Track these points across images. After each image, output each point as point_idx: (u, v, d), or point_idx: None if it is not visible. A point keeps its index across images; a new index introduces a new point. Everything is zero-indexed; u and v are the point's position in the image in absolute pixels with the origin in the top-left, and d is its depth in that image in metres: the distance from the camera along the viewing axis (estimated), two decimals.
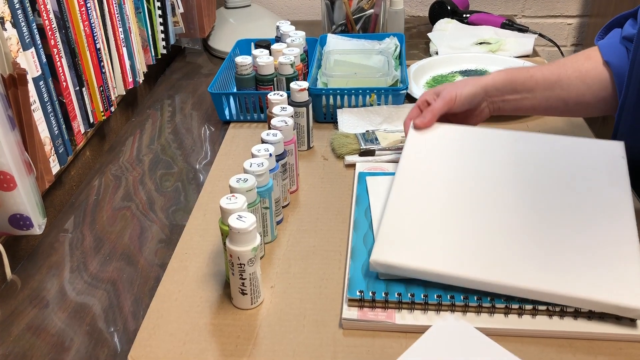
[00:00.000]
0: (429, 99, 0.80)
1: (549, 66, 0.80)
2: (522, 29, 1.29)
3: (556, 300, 0.57)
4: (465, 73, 1.14)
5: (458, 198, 0.69)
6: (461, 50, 1.22)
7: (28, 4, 0.71)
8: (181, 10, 1.21)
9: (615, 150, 0.74)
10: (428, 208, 0.68)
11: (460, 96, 0.77)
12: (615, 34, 0.81)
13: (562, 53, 1.35)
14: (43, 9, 0.75)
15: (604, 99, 0.79)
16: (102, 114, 0.92)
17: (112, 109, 0.96)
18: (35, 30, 0.73)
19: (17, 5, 0.69)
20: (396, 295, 0.60)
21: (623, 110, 0.78)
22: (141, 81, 1.07)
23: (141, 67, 1.07)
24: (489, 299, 0.59)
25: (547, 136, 0.78)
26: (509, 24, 1.31)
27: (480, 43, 1.25)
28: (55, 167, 0.77)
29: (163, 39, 1.16)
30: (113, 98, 0.96)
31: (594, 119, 1.32)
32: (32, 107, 0.71)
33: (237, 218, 0.58)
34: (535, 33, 1.27)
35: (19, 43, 0.69)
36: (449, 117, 0.81)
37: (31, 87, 0.71)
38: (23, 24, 0.70)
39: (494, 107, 0.81)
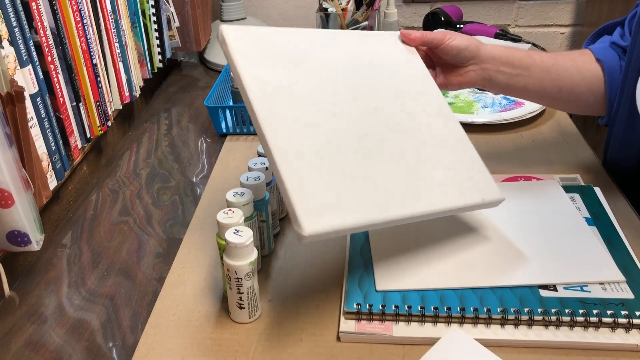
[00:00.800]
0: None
1: (546, 53, 0.80)
2: (516, 39, 1.30)
3: (434, 216, 0.61)
4: None
5: (324, 125, 0.61)
6: None
7: (25, 22, 0.72)
8: (177, 24, 1.22)
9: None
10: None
11: (450, 42, 0.74)
12: (605, 39, 0.82)
13: None
14: (40, 26, 0.76)
15: (595, 94, 0.79)
16: (99, 128, 0.92)
17: (109, 123, 0.96)
18: (32, 47, 0.74)
19: (14, 23, 0.69)
20: (393, 308, 0.60)
21: (615, 121, 0.79)
22: (138, 95, 1.07)
23: (138, 81, 1.08)
24: (485, 309, 0.59)
25: (348, 34, 0.73)
26: (502, 34, 1.32)
27: None
28: (52, 183, 0.78)
29: (159, 53, 1.17)
30: (110, 112, 0.97)
31: (588, 127, 1.33)
32: (30, 124, 0.71)
33: (234, 232, 0.58)
34: (528, 42, 1.29)
35: (16, 60, 0.70)
36: (434, 60, 0.78)
37: (28, 103, 0.72)
38: (20, 41, 0.70)
39: (485, 75, 0.76)
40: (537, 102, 0.82)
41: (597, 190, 0.78)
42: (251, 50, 0.61)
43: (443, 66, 0.77)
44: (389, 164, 0.61)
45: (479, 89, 1.12)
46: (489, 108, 1.05)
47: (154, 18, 1.13)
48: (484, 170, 0.67)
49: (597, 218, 0.73)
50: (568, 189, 0.79)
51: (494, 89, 0.78)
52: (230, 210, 0.62)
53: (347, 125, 0.61)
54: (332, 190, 0.56)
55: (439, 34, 0.74)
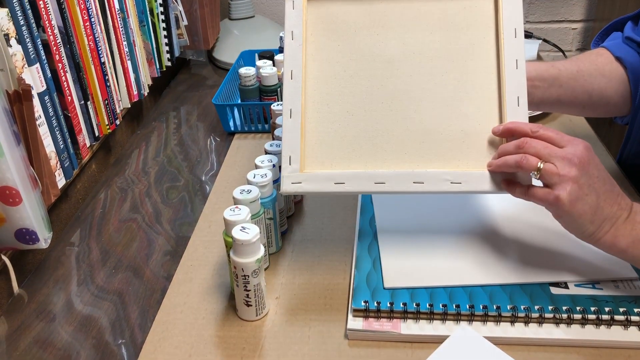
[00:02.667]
0: None
1: (564, 60, 0.78)
2: (526, 35, 1.29)
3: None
4: None
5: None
6: None
7: (33, 21, 0.72)
8: (185, 22, 1.22)
9: None
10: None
11: None
12: (616, 36, 0.81)
13: (566, 58, 1.34)
14: (48, 25, 0.76)
15: (623, 95, 0.77)
16: (108, 127, 0.93)
17: (118, 122, 0.96)
18: (40, 45, 0.74)
19: (22, 22, 0.69)
20: (401, 305, 0.60)
21: (635, 118, 0.78)
22: (146, 94, 1.07)
23: (146, 80, 1.08)
24: (494, 307, 0.59)
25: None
26: None
27: None
28: (61, 181, 0.78)
29: (167, 52, 1.17)
30: (118, 111, 0.97)
31: (601, 124, 1.31)
32: (38, 122, 0.71)
33: (240, 230, 0.58)
34: (539, 38, 1.27)
35: (24, 59, 0.70)
36: None
37: (36, 102, 0.72)
38: (28, 40, 0.70)
39: None
40: (570, 112, 0.81)
41: None
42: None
43: None
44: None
45: None
46: None
47: (162, 17, 1.14)
48: None
49: None
50: None
51: (529, 107, 0.77)
52: (237, 207, 0.61)
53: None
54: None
55: None
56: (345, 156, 0.62)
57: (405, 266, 0.65)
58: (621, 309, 0.57)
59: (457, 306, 0.59)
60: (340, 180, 0.61)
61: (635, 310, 0.57)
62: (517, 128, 0.59)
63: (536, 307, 0.58)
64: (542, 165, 0.56)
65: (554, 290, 0.60)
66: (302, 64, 0.62)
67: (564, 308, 0.58)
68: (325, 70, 0.63)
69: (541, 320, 0.58)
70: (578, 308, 0.58)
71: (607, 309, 0.57)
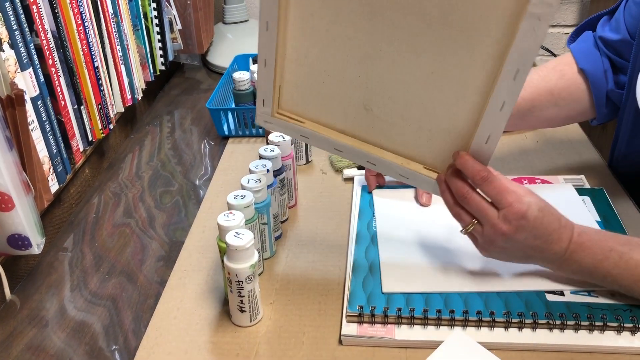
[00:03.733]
0: None
1: (524, 90, 0.77)
2: None
3: None
4: None
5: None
6: None
7: (26, 25, 0.72)
8: (179, 26, 1.22)
9: None
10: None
11: None
12: (588, 37, 0.81)
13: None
14: (41, 29, 0.76)
15: (579, 111, 0.81)
16: (101, 131, 0.92)
17: (111, 126, 0.96)
18: (33, 50, 0.74)
19: (15, 27, 0.69)
20: (396, 310, 0.60)
21: (622, 120, 0.79)
22: (140, 98, 1.07)
23: (140, 84, 1.07)
24: (489, 312, 0.59)
25: None
26: None
27: None
28: (54, 186, 0.77)
29: (161, 56, 1.17)
30: (112, 115, 0.97)
31: (594, 128, 1.32)
32: (30, 127, 0.71)
33: (234, 235, 0.58)
34: None
35: (17, 64, 0.70)
36: None
37: (29, 106, 0.71)
38: (21, 44, 0.70)
39: None
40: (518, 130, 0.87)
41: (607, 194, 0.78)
42: None
43: None
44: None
45: None
46: None
47: (156, 21, 1.13)
48: None
49: (607, 221, 0.72)
50: (578, 191, 0.78)
51: None
52: (231, 212, 0.61)
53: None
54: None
55: None
56: (317, 111, 0.63)
57: (404, 272, 0.65)
58: (615, 316, 0.58)
59: (452, 311, 0.59)
60: (306, 135, 0.63)
61: (629, 316, 0.57)
62: (467, 167, 0.57)
63: (530, 313, 0.58)
64: (471, 228, 0.59)
65: (550, 298, 0.61)
66: (279, 14, 0.58)
67: (558, 314, 0.58)
68: (309, 24, 0.59)
69: (535, 326, 0.58)
70: (572, 314, 0.58)
71: (601, 315, 0.58)
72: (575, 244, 0.57)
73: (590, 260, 0.57)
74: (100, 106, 0.92)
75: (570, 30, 1.56)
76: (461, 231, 0.60)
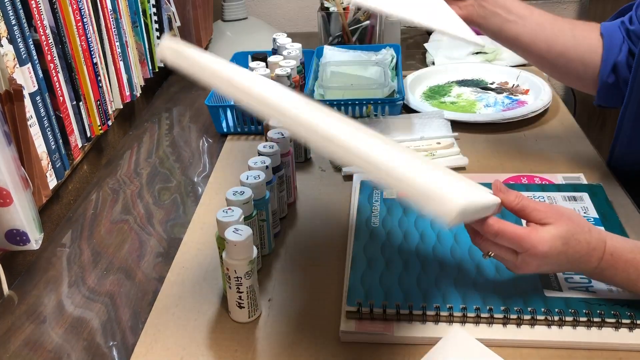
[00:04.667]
0: None
1: (548, 13, 0.79)
2: None
3: None
4: (462, 83, 1.14)
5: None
6: (458, 60, 1.22)
7: (24, 20, 0.72)
8: (178, 23, 1.21)
9: None
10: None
11: None
12: (616, 20, 0.82)
13: None
14: (39, 24, 0.76)
15: (585, 64, 0.78)
16: (100, 128, 0.92)
17: (110, 122, 0.96)
18: (32, 45, 0.73)
19: (14, 22, 0.69)
20: (395, 306, 0.60)
21: (624, 116, 0.79)
22: (138, 95, 1.07)
23: (138, 81, 1.07)
24: (487, 309, 0.59)
25: None
26: None
27: (477, 53, 1.25)
28: (52, 182, 0.77)
29: None
30: (110, 112, 0.97)
31: (592, 126, 1.32)
32: (29, 122, 0.71)
33: (233, 231, 0.58)
34: None
35: (15, 59, 0.69)
36: None
37: (28, 102, 0.71)
38: (19, 40, 0.70)
39: (481, 12, 0.77)
40: (526, 57, 0.82)
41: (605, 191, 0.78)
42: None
43: None
44: None
45: (482, 89, 1.12)
46: (491, 107, 1.05)
47: (155, 17, 1.13)
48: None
49: (606, 219, 0.72)
50: (575, 187, 0.78)
51: (486, 32, 0.78)
52: (229, 209, 0.61)
53: None
54: None
55: None
56: None
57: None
58: (612, 312, 0.58)
59: (450, 307, 0.59)
60: None
61: (627, 313, 0.57)
62: (504, 200, 0.57)
63: (529, 309, 0.58)
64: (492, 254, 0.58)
65: (548, 293, 0.61)
66: None
67: (556, 310, 0.58)
68: None
69: (533, 322, 0.58)
70: (570, 310, 0.58)
71: (598, 311, 0.58)
72: (605, 263, 0.57)
73: (624, 278, 0.57)
74: (98, 102, 0.92)
75: None
76: (483, 256, 0.59)
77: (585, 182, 0.81)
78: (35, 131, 0.73)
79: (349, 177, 0.86)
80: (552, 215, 0.56)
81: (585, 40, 0.78)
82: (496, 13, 0.76)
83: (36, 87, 0.74)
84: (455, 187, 0.53)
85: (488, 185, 0.59)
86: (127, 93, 1.02)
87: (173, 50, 0.54)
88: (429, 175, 0.52)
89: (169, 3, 1.18)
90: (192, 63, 0.53)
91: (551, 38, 0.77)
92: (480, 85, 1.13)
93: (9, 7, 0.68)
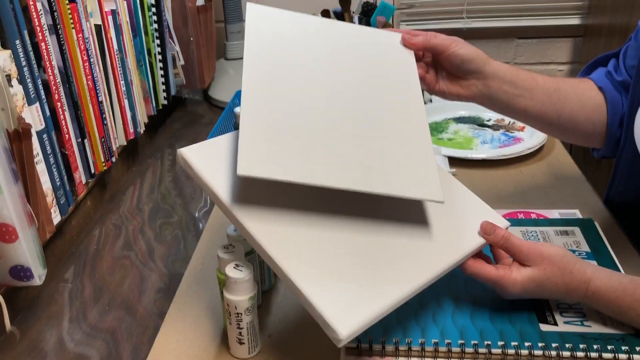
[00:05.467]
0: (427, 34, 0.75)
1: (548, 77, 0.78)
2: None
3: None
4: (459, 120, 1.17)
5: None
6: None
7: (34, 61, 0.74)
8: (182, 62, 1.25)
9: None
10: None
11: (456, 50, 0.71)
12: (600, 72, 0.82)
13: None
14: (48, 65, 0.78)
15: (594, 124, 0.78)
16: (104, 164, 0.94)
17: (113, 159, 0.98)
18: (40, 85, 0.76)
19: (24, 63, 0.71)
20: (393, 342, 0.60)
21: (621, 157, 0.79)
22: (142, 131, 1.09)
23: (142, 118, 1.10)
24: (485, 344, 0.59)
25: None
26: None
27: None
28: (56, 218, 0.79)
29: (164, 90, 1.19)
30: (114, 148, 0.99)
31: (589, 163, 1.34)
32: (35, 160, 0.73)
33: (234, 267, 0.59)
34: None
35: (24, 98, 0.72)
36: (438, 68, 0.75)
37: (35, 140, 0.73)
38: (29, 80, 0.72)
39: (486, 92, 0.73)
40: (535, 126, 0.82)
41: (597, 224, 0.79)
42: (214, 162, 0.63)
43: (446, 73, 0.74)
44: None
45: (479, 126, 1.14)
46: (488, 144, 1.06)
47: (159, 57, 1.16)
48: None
49: (598, 252, 0.73)
50: (567, 221, 0.79)
51: (493, 108, 0.76)
52: (230, 245, 0.62)
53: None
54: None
55: (446, 40, 0.71)
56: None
57: (282, 142, 0.58)
58: (609, 347, 0.58)
59: (449, 343, 0.60)
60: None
61: (623, 348, 0.58)
62: (491, 242, 0.64)
63: (526, 344, 0.59)
64: None
65: (544, 328, 0.61)
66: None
67: (553, 345, 0.59)
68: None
69: (530, 358, 0.58)
70: (567, 345, 0.59)
71: (595, 347, 0.58)
72: (588, 300, 0.62)
73: (608, 312, 0.62)
74: (103, 139, 0.94)
75: (564, 67, 1.59)
76: None
77: (580, 217, 0.82)
78: (41, 168, 0.75)
79: None
80: (532, 258, 0.61)
81: (589, 101, 0.78)
82: (502, 90, 0.73)
83: (43, 126, 0.76)
84: (351, 303, 0.54)
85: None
86: (131, 130, 1.04)
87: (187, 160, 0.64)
88: (323, 291, 0.53)
89: (173, 42, 1.21)
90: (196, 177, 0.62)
91: (559, 106, 0.76)
92: (477, 122, 1.15)
93: (20, 49, 0.71)
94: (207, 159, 0.63)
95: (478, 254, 0.64)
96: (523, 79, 0.74)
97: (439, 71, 0.74)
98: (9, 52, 0.69)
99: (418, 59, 0.73)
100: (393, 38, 0.73)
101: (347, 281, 0.55)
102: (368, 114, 0.65)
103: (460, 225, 0.64)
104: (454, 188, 0.69)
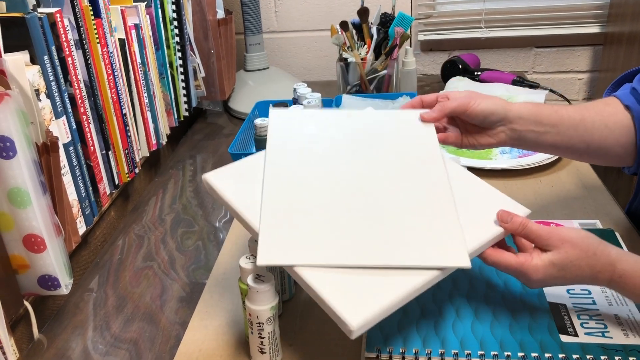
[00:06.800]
0: (439, 97, 0.77)
1: (571, 107, 0.78)
2: (533, 85, 1.33)
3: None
4: None
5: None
6: None
7: (61, 76, 0.76)
8: (203, 74, 1.27)
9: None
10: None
11: (475, 107, 0.72)
12: (626, 88, 0.82)
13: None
14: (74, 79, 0.80)
15: (624, 146, 0.77)
16: (127, 175, 0.96)
17: (136, 170, 1.00)
18: (67, 99, 0.78)
19: (52, 78, 0.74)
20: (413, 352, 0.61)
21: None
22: (164, 143, 1.11)
23: (164, 130, 1.12)
24: (505, 355, 0.59)
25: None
26: (519, 81, 1.34)
27: None
28: (81, 228, 0.81)
29: (185, 102, 1.22)
30: (137, 160, 1.01)
31: (609, 173, 1.33)
32: (62, 172, 0.75)
33: (255, 277, 0.60)
34: (546, 89, 1.31)
35: (52, 112, 0.74)
36: (461, 124, 0.77)
37: (61, 152, 0.75)
38: (56, 94, 0.74)
39: (515, 135, 0.75)
40: (567, 157, 0.82)
41: (618, 235, 0.78)
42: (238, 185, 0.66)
43: (470, 128, 0.76)
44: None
45: None
46: (507, 154, 1.06)
47: (181, 69, 1.18)
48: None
49: None
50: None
51: (523, 147, 0.77)
52: (252, 255, 0.63)
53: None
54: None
55: (462, 99, 0.73)
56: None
57: (299, 232, 0.60)
58: (631, 358, 0.58)
59: (469, 354, 0.60)
60: None
61: None
62: (509, 229, 0.63)
63: (546, 355, 0.59)
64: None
65: (564, 338, 0.61)
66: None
67: (574, 357, 0.59)
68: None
69: None
70: (588, 357, 0.58)
71: (616, 358, 0.58)
72: (615, 284, 0.60)
73: (635, 296, 0.60)
74: (126, 151, 0.96)
75: (583, 75, 1.58)
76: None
77: (601, 227, 0.82)
78: (67, 180, 0.77)
79: None
80: (553, 243, 0.60)
81: (616, 124, 0.77)
82: (530, 130, 0.74)
83: (70, 138, 0.78)
84: (360, 296, 0.55)
85: None
86: (154, 141, 1.06)
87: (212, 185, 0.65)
88: (334, 286, 0.55)
89: (194, 55, 1.23)
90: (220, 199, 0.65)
91: (587, 136, 0.76)
92: None
93: (48, 64, 0.73)
94: (232, 184, 0.66)
95: (500, 245, 0.64)
96: (547, 115, 0.75)
97: (462, 127, 0.76)
98: (37, 67, 0.71)
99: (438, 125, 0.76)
100: (411, 115, 0.75)
101: (358, 274, 0.56)
102: (389, 189, 0.66)
103: (477, 215, 0.64)
104: (470, 181, 0.70)
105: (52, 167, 0.70)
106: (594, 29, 1.51)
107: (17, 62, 0.66)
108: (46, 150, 0.69)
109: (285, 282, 0.72)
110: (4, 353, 0.62)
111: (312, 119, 0.75)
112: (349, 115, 0.76)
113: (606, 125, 0.77)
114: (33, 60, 0.72)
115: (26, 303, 0.69)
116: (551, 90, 1.32)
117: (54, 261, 0.67)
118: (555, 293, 0.69)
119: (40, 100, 0.71)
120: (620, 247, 0.76)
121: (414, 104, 0.78)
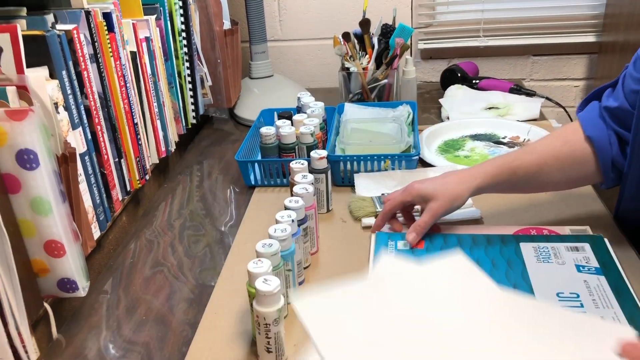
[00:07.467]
0: (415, 201, 0.86)
1: (530, 155, 0.85)
2: (530, 93, 1.36)
3: None
4: (475, 137, 1.21)
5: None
6: (471, 115, 1.29)
7: (78, 89, 0.80)
8: (210, 83, 1.31)
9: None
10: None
11: (453, 206, 0.84)
12: (594, 107, 0.86)
13: (568, 114, 1.42)
14: (89, 91, 0.84)
15: (586, 176, 0.86)
16: (138, 182, 1.00)
17: (147, 177, 1.04)
18: (83, 111, 0.82)
19: (69, 91, 0.78)
20: None
21: (627, 177, 0.83)
22: (173, 150, 1.15)
23: (173, 137, 1.16)
24: None
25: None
26: (516, 89, 1.38)
27: (490, 108, 1.32)
28: (96, 233, 0.85)
29: (193, 110, 1.26)
30: (148, 167, 1.05)
31: None
32: (79, 180, 0.79)
33: (263, 281, 0.64)
34: (542, 97, 1.34)
35: (69, 124, 0.78)
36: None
37: (78, 162, 0.79)
38: (73, 106, 0.79)
39: (479, 194, 0.87)
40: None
41: (607, 241, 0.82)
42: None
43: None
44: None
45: (494, 143, 1.18)
46: None
47: (189, 78, 1.23)
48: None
49: (606, 268, 0.76)
50: (578, 238, 0.83)
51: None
52: (259, 260, 0.67)
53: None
54: None
55: (432, 212, 0.83)
56: None
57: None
58: None
59: None
60: None
61: None
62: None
63: None
64: None
65: None
66: None
67: None
68: None
69: None
70: None
71: None
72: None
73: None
74: (138, 159, 1.00)
75: (579, 83, 1.62)
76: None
77: (591, 233, 0.86)
78: (83, 187, 0.81)
79: (368, 228, 0.92)
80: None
81: (573, 166, 0.85)
82: (497, 190, 0.88)
83: (85, 148, 0.82)
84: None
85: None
86: (163, 149, 1.11)
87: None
88: None
89: (202, 64, 1.27)
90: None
91: (544, 183, 0.87)
92: (493, 140, 1.19)
93: (66, 79, 0.77)
94: (318, 316, 0.59)
95: None
96: (505, 179, 0.85)
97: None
98: (56, 82, 0.75)
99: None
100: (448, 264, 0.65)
101: None
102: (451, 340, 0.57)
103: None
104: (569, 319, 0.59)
105: (70, 177, 0.74)
106: (590, 38, 1.55)
107: (39, 78, 0.70)
108: (65, 161, 0.73)
109: (290, 285, 0.76)
110: (26, 352, 0.66)
111: (343, 297, 0.62)
112: (376, 284, 0.65)
113: (561, 170, 0.85)
114: (52, 75, 0.76)
115: (46, 305, 0.73)
116: (547, 98, 1.36)
117: (72, 265, 0.72)
118: (544, 296, 0.72)
119: (58, 112, 0.75)
120: (609, 252, 0.80)
121: (383, 221, 0.90)
